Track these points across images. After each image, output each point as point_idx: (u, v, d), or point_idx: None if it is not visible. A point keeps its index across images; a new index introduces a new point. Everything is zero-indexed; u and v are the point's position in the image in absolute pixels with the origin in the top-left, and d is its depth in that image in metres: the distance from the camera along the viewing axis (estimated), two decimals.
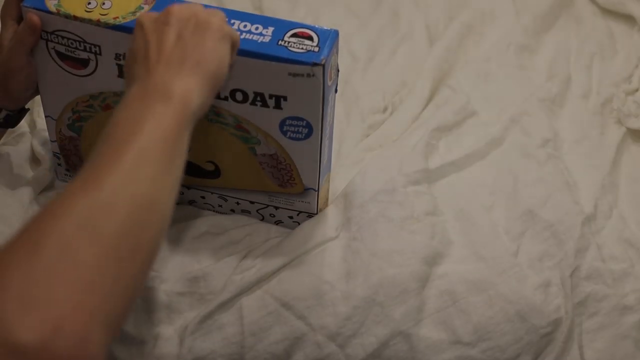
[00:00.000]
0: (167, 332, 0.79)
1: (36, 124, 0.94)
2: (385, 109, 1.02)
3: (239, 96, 0.73)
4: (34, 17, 0.73)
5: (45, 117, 0.84)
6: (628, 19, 1.16)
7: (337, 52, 0.72)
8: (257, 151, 0.78)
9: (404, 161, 0.87)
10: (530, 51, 1.10)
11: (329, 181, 0.86)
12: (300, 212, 0.84)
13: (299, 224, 0.84)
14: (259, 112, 0.74)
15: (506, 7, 1.16)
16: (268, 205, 0.84)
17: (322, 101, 0.72)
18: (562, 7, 1.17)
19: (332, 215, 0.84)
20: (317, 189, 0.80)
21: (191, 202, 0.88)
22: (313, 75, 0.69)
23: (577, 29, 1.15)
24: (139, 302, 0.80)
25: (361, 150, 0.96)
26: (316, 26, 0.71)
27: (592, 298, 0.84)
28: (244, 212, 0.86)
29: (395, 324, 0.78)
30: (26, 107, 0.84)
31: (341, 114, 1.00)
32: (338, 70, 0.74)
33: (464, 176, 0.92)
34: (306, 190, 0.81)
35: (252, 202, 0.85)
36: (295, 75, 0.69)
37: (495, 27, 1.14)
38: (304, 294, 0.78)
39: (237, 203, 0.85)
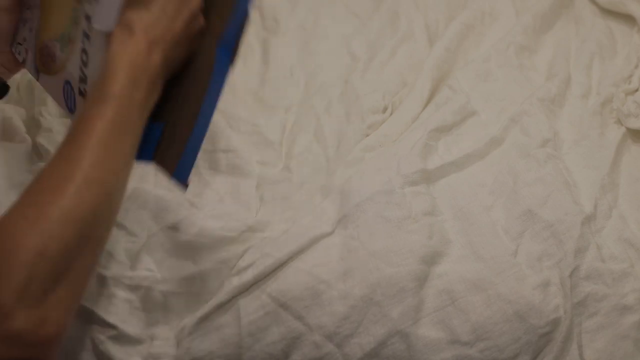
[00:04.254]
0: (164, 332, 0.79)
1: (41, 124, 0.94)
2: (385, 109, 1.02)
3: None
4: None
5: None
6: (628, 19, 1.16)
7: None
8: None
9: (402, 162, 0.87)
10: (530, 51, 1.10)
11: None
12: None
13: None
14: None
15: (506, 7, 1.16)
16: None
17: None
18: (562, 7, 1.17)
19: (327, 211, 0.84)
20: None
21: None
22: None
23: (577, 29, 1.15)
24: (135, 301, 0.80)
25: (360, 150, 0.95)
26: None
27: (591, 298, 0.83)
28: None
29: (393, 323, 0.78)
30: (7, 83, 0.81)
31: (341, 114, 1.00)
32: None
33: (463, 176, 0.91)
34: None
35: None
36: None
37: (495, 27, 1.13)
38: (301, 294, 0.78)
39: None
